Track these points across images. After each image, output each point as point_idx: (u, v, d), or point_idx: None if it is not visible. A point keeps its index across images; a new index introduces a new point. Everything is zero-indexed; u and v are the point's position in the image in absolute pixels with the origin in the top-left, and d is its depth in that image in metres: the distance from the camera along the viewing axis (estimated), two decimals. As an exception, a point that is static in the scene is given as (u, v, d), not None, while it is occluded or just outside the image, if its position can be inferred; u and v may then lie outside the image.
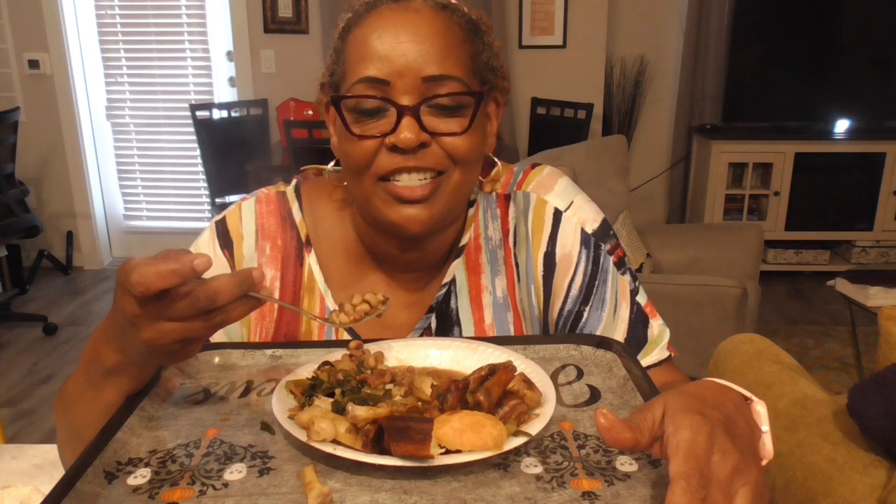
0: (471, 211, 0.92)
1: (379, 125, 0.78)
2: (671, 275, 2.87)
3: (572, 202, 0.91)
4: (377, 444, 0.57)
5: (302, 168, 0.99)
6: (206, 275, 0.60)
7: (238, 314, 0.62)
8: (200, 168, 4.26)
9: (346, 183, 0.88)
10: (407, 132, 0.76)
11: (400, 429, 0.54)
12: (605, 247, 0.91)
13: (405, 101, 0.76)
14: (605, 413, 0.50)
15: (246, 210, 0.91)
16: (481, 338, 0.82)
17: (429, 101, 0.77)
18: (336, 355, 0.71)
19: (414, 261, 0.89)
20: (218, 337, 0.86)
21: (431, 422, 0.55)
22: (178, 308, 0.58)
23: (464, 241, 0.91)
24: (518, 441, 0.57)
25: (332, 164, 0.92)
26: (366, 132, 0.78)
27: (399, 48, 0.76)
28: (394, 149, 0.77)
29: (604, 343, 0.77)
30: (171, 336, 0.60)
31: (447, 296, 0.90)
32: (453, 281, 0.90)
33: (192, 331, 0.60)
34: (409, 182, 0.78)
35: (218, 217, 0.91)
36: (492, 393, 0.61)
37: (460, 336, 0.88)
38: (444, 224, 0.86)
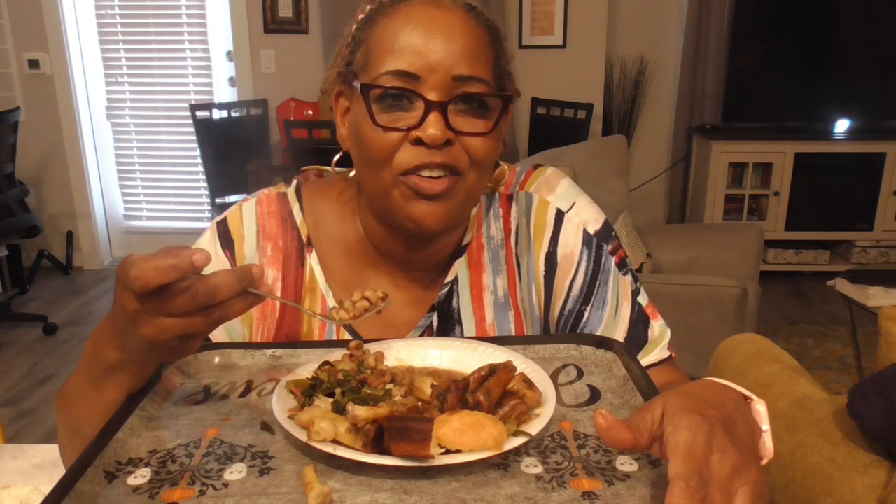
0: (474, 210, 0.92)
1: (405, 118, 0.77)
2: (671, 275, 2.87)
3: (574, 203, 0.92)
4: (377, 444, 0.57)
5: (302, 168, 0.99)
6: (206, 272, 0.60)
7: (237, 310, 0.62)
8: (200, 168, 4.26)
9: (353, 174, 0.87)
10: (433, 128, 0.75)
11: (400, 429, 0.54)
12: (607, 247, 0.91)
13: (433, 96, 0.76)
14: (604, 414, 0.50)
15: (247, 211, 0.91)
16: (481, 338, 0.82)
17: (458, 99, 0.77)
18: (336, 355, 0.71)
19: (419, 260, 0.89)
20: (219, 336, 0.86)
21: (431, 422, 0.55)
22: (177, 304, 0.58)
23: (466, 240, 0.91)
24: (518, 441, 0.57)
25: (336, 158, 0.92)
26: (391, 124, 0.78)
27: (432, 45, 0.76)
28: (417, 143, 0.77)
29: (604, 343, 0.77)
30: (171, 332, 0.60)
31: (449, 294, 0.90)
32: (455, 280, 0.90)
33: (191, 327, 0.60)
34: (430, 173, 0.78)
35: (219, 217, 0.91)
36: (492, 393, 0.61)
37: (461, 335, 0.88)
38: (456, 224, 0.86)
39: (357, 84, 0.79)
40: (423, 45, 0.77)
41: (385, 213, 0.84)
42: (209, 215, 4.47)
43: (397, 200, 0.80)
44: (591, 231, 0.91)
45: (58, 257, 4.47)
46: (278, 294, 0.89)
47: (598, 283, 0.90)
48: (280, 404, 0.62)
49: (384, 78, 0.77)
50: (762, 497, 0.49)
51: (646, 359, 0.88)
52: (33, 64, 4.26)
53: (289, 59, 4.27)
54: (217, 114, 4.12)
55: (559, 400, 0.66)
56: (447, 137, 0.76)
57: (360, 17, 0.83)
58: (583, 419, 0.63)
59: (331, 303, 0.89)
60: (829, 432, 1.29)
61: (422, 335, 0.89)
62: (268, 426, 0.63)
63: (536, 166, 0.95)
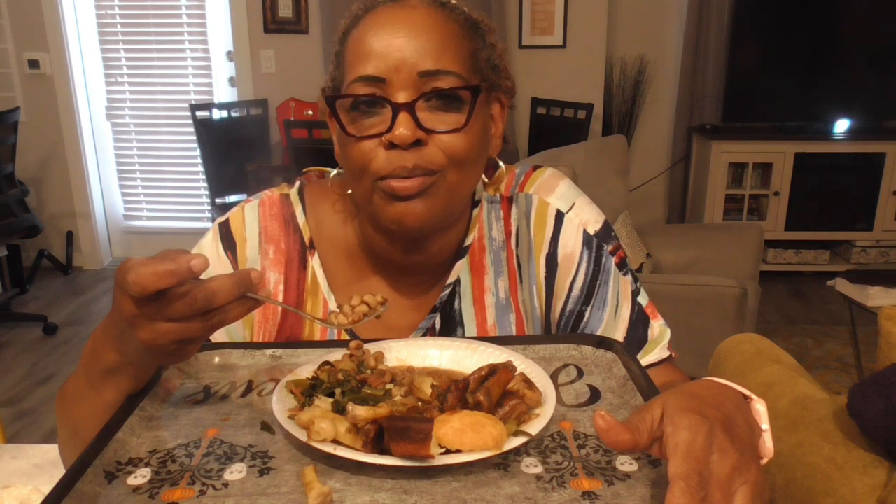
0: (475, 212, 0.92)
1: (376, 124, 0.77)
2: (671, 275, 2.87)
3: (574, 204, 0.91)
4: (377, 444, 0.57)
5: (305, 170, 0.98)
6: (207, 275, 0.60)
7: (236, 315, 0.62)
8: (200, 168, 4.26)
9: (350, 191, 0.87)
10: (402, 128, 0.75)
11: (400, 429, 0.54)
12: (607, 248, 0.91)
13: (401, 97, 0.76)
14: (603, 415, 0.50)
15: (249, 212, 0.91)
16: (481, 338, 0.82)
17: (425, 96, 0.76)
18: (336, 355, 0.71)
19: (418, 263, 0.89)
20: (220, 338, 0.86)
21: (431, 422, 0.55)
22: (175, 308, 0.58)
23: (468, 241, 0.91)
24: (518, 441, 0.57)
25: (332, 174, 0.92)
26: (362, 132, 0.77)
27: (395, 44, 0.76)
28: (390, 146, 0.76)
29: (604, 343, 0.77)
30: (169, 336, 0.60)
31: (451, 296, 0.90)
32: (457, 282, 0.90)
33: (189, 331, 0.60)
34: (406, 176, 0.77)
35: (221, 219, 0.91)
36: (492, 393, 0.61)
37: (463, 337, 0.88)
38: (443, 224, 0.85)
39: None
40: (386, 46, 0.76)
41: (371, 219, 0.84)
42: (209, 215, 4.47)
43: (378, 205, 0.79)
44: (591, 231, 0.91)
45: (58, 257, 4.47)
46: (279, 298, 0.89)
47: (598, 283, 0.90)
48: (280, 404, 0.62)
49: (353, 86, 0.77)
50: (762, 496, 0.49)
51: (646, 358, 0.88)
52: (33, 64, 4.26)
53: (289, 59, 4.27)
54: (217, 114, 4.12)
55: (559, 400, 0.66)
56: (417, 137, 0.75)
57: (340, 33, 0.83)
58: (583, 419, 0.63)
59: (332, 306, 0.88)
60: (829, 432, 1.29)
61: (422, 337, 0.89)
62: (268, 426, 0.63)
63: (535, 167, 0.95)
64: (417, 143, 0.76)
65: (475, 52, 0.81)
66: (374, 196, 0.79)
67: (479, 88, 0.79)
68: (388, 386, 0.65)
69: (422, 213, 0.78)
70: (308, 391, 0.65)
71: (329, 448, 0.56)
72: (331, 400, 0.62)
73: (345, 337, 0.87)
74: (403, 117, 0.75)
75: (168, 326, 0.59)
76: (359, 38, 0.78)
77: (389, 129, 0.75)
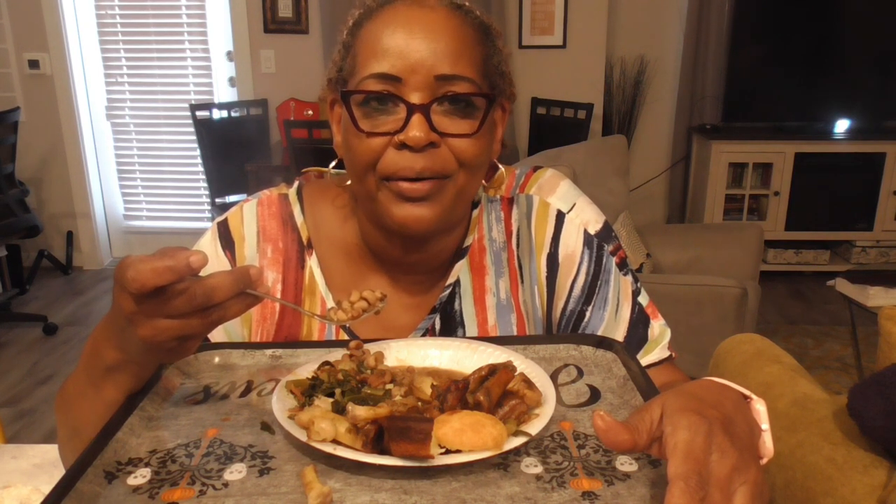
0: (475, 213, 0.92)
1: (388, 122, 0.76)
2: (671, 275, 2.87)
3: (575, 204, 0.92)
4: (377, 444, 0.57)
5: (303, 170, 0.99)
6: (205, 273, 0.60)
7: (235, 311, 0.62)
8: (200, 168, 4.26)
9: (349, 182, 0.87)
10: (417, 130, 0.74)
11: (400, 429, 0.54)
12: (608, 248, 0.91)
13: (416, 98, 0.75)
14: (601, 415, 0.50)
15: (248, 212, 0.91)
16: (481, 338, 0.82)
17: (440, 100, 0.76)
18: (336, 355, 0.71)
19: (417, 262, 0.89)
20: (218, 338, 0.86)
21: (431, 422, 0.55)
22: (174, 305, 0.58)
23: (468, 242, 0.91)
24: (518, 441, 0.57)
25: (332, 164, 0.92)
26: (374, 129, 0.77)
27: (413, 44, 0.75)
28: (402, 146, 0.76)
29: (604, 343, 0.77)
30: (169, 333, 0.60)
31: (451, 297, 0.90)
32: (457, 282, 0.90)
33: (189, 328, 0.60)
34: (415, 180, 0.77)
35: (220, 218, 0.91)
36: (492, 393, 0.61)
37: (464, 337, 0.88)
38: (448, 226, 0.85)
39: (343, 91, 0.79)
40: (404, 46, 0.75)
41: (374, 216, 0.84)
42: (209, 215, 4.47)
43: (383, 203, 0.79)
44: (592, 232, 0.91)
45: (58, 257, 4.47)
46: (278, 296, 0.89)
47: (599, 283, 0.90)
48: (280, 404, 0.62)
49: (367, 82, 0.77)
50: (762, 496, 0.49)
51: (646, 358, 0.88)
52: (33, 64, 4.26)
53: (289, 59, 4.27)
54: (217, 114, 4.12)
55: (559, 400, 0.66)
56: (431, 139, 0.75)
57: (350, 22, 0.83)
58: (583, 419, 0.63)
59: (330, 305, 0.88)
60: (829, 432, 1.29)
61: (422, 337, 0.89)
62: (268, 426, 0.63)
63: (536, 168, 0.95)
64: (429, 146, 0.76)
65: (487, 58, 0.81)
66: (379, 194, 0.79)
67: (494, 96, 0.79)
68: (388, 386, 0.65)
69: (429, 218, 0.79)
70: (308, 391, 0.65)
71: (329, 448, 0.56)
72: (331, 400, 0.62)
73: (344, 337, 0.87)
74: (418, 119, 0.75)
75: (167, 323, 0.59)
76: (375, 32, 0.78)
77: (402, 129, 0.75)
